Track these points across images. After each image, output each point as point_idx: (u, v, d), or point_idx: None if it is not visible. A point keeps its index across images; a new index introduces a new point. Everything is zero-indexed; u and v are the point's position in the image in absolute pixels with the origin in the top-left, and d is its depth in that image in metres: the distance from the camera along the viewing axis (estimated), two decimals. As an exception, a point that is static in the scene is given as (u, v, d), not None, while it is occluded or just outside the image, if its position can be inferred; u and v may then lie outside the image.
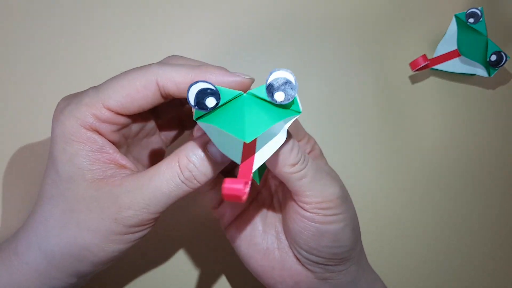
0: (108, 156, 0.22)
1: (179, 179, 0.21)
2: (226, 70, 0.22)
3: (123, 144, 0.25)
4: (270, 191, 0.28)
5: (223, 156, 0.21)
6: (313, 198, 0.22)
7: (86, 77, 0.33)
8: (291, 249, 0.25)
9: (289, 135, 0.22)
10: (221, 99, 0.19)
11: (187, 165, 0.21)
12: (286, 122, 0.20)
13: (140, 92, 0.21)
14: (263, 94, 0.19)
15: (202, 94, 0.19)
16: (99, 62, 0.34)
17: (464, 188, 0.37)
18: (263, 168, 0.23)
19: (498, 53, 0.34)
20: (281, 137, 0.20)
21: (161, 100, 0.22)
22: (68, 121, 0.21)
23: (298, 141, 0.26)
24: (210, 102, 0.19)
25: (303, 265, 0.25)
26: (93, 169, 0.22)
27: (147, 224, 0.22)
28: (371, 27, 0.37)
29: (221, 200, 0.27)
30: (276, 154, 0.21)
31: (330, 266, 0.24)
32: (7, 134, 0.33)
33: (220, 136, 0.20)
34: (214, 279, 0.33)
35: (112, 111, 0.22)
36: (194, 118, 0.20)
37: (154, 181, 0.21)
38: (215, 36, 0.35)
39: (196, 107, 0.19)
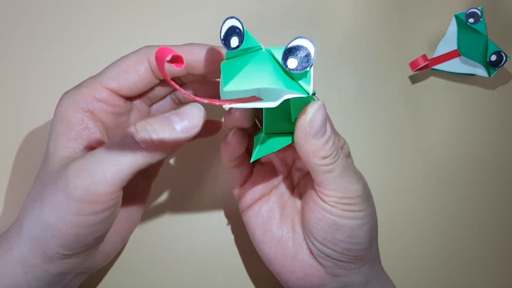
0: (91, 135, 0.23)
1: (134, 140, 0.21)
2: (210, 46, 0.24)
3: (117, 130, 0.25)
4: (292, 182, 0.28)
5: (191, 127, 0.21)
6: (335, 192, 0.23)
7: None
8: (306, 242, 0.25)
9: (329, 129, 0.21)
10: (244, 43, 0.18)
11: (144, 125, 0.21)
12: (286, 92, 0.19)
13: (132, 67, 0.24)
14: (279, 55, 0.19)
15: (231, 31, 0.18)
16: (99, 59, 0.34)
17: (464, 188, 0.37)
18: (263, 151, 0.23)
19: (498, 53, 0.34)
20: (272, 103, 0.19)
21: (153, 80, 0.25)
22: (66, 103, 0.23)
23: None
24: (234, 41, 0.19)
25: (315, 258, 0.25)
26: (68, 146, 0.22)
27: (103, 199, 0.21)
28: (371, 27, 0.37)
29: (243, 181, 0.27)
30: (310, 144, 0.21)
31: (342, 262, 0.24)
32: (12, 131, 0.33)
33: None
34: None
35: (109, 89, 0.24)
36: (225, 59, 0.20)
37: (104, 147, 0.21)
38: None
39: (223, 41, 0.19)
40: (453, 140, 0.37)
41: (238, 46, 0.18)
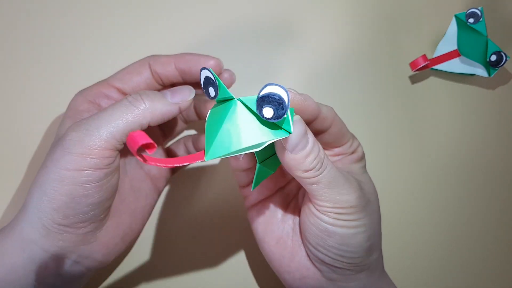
0: None
1: (127, 100, 0.23)
2: (203, 55, 0.27)
3: None
4: (298, 185, 0.28)
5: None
6: (325, 202, 0.22)
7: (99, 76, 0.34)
8: (304, 243, 0.25)
9: (310, 142, 0.21)
10: (219, 93, 0.19)
11: (138, 92, 0.24)
12: (269, 139, 0.19)
13: (136, 69, 0.27)
14: (253, 105, 0.18)
15: (207, 81, 0.19)
16: (107, 63, 0.34)
17: (464, 188, 0.37)
18: (262, 176, 0.23)
19: (498, 53, 0.34)
20: (257, 148, 0.18)
21: (154, 83, 0.28)
22: (77, 96, 0.27)
23: (342, 144, 0.26)
24: (211, 91, 0.19)
25: (312, 262, 0.25)
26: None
27: (97, 153, 0.22)
28: (371, 27, 0.37)
29: (250, 182, 0.27)
30: (289, 158, 0.21)
31: (336, 268, 0.24)
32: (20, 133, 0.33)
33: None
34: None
35: (115, 87, 0.27)
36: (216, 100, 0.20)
37: (101, 110, 0.23)
38: (217, 35, 0.36)
39: (204, 91, 0.19)
40: (453, 140, 0.37)
41: (215, 96, 0.19)
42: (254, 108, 0.18)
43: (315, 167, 0.22)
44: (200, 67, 0.21)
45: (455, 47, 0.36)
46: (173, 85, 0.28)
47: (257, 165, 0.22)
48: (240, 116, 0.19)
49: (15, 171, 0.32)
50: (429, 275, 0.35)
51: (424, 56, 0.35)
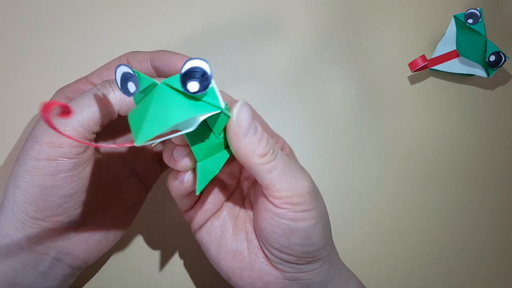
0: None
1: (96, 88, 0.23)
2: (177, 54, 0.26)
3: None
4: (242, 193, 0.28)
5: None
6: (284, 192, 0.22)
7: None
8: (262, 250, 0.25)
9: (259, 127, 0.21)
10: (140, 85, 0.18)
11: (107, 80, 0.23)
12: (200, 116, 0.19)
13: (114, 65, 0.26)
14: (177, 84, 0.18)
15: (124, 78, 0.18)
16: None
17: (463, 188, 0.37)
18: (206, 178, 0.22)
19: (497, 54, 0.34)
20: (189, 128, 0.19)
21: None
22: (57, 94, 0.26)
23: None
24: (131, 87, 0.18)
25: (273, 266, 0.25)
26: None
27: (64, 142, 0.22)
28: (370, 27, 0.38)
29: (193, 203, 0.26)
30: (244, 144, 0.21)
31: (301, 265, 0.24)
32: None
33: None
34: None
35: (92, 83, 0.26)
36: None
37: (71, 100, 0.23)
38: (209, 35, 0.36)
39: (122, 90, 0.18)
40: (452, 140, 0.37)
41: (136, 90, 0.18)
42: (179, 86, 0.18)
43: (269, 150, 0.22)
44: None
45: (454, 48, 0.36)
46: None
47: (197, 164, 0.21)
48: (167, 97, 0.18)
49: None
50: (429, 275, 0.35)
51: (423, 57, 0.35)
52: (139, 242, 0.33)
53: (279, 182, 0.22)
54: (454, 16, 0.35)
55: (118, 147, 0.18)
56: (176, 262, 0.33)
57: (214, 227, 0.26)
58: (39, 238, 0.23)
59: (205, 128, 0.21)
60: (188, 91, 0.18)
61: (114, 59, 0.27)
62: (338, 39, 0.37)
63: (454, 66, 0.36)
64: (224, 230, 0.26)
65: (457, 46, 0.36)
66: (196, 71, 0.18)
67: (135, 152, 0.29)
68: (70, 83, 0.27)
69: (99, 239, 0.26)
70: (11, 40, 0.34)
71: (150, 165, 0.29)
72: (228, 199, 0.27)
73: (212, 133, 0.21)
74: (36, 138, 0.22)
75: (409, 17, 0.38)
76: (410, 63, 0.36)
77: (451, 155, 0.37)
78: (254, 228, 0.26)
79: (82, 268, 0.27)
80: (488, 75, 0.35)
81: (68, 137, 0.17)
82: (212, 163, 0.22)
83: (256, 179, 0.23)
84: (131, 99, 0.23)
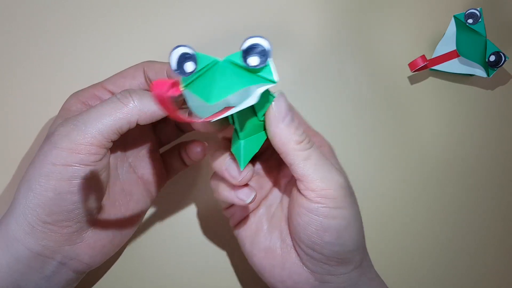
0: None
1: (116, 97, 0.23)
2: None
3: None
4: (280, 191, 0.28)
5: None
6: (317, 182, 0.22)
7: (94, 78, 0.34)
8: (294, 249, 0.25)
9: (296, 117, 0.23)
10: (198, 64, 0.19)
11: (127, 89, 0.24)
12: (258, 87, 0.21)
13: (130, 74, 0.27)
14: (239, 59, 0.20)
15: (182, 59, 0.19)
16: (104, 64, 0.34)
17: (463, 188, 0.37)
18: (249, 155, 0.24)
19: (497, 54, 0.34)
20: (251, 100, 0.20)
21: (147, 87, 0.27)
22: (71, 98, 0.27)
23: None
24: (189, 66, 0.19)
25: (304, 266, 0.25)
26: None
27: (83, 149, 0.22)
28: (370, 27, 0.38)
29: (232, 203, 0.27)
30: (281, 128, 0.22)
31: (331, 266, 0.24)
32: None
33: (198, 104, 0.21)
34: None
35: (107, 90, 0.27)
36: (180, 88, 0.20)
37: (91, 107, 0.24)
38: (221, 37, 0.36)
39: (178, 71, 0.19)
40: (452, 140, 0.37)
41: (194, 70, 0.19)
42: (240, 62, 0.20)
43: (304, 139, 0.23)
44: None
45: (454, 48, 0.36)
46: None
47: (241, 142, 0.23)
48: (231, 71, 0.20)
49: (5, 171, 0.32)
50: (427, 275, 0.35)
51: (423, 57, 0.35)
52: (142, 244, 0.33)
53: (313, 172, 0.23)
54: (454, 16, 0.35)
55: (199, 121, 0.20)
56: (180, 265, 0.33)
57: (250, 223, 0.27)
58: (47, 242, 0.23)
59: (250, 112, 0.23)
60: (248, 65, 0.20)
61: (129, 67, 0.27)
62: (338, 40, 0.37)
63: (454, 66, 0.36)
64: (258, 227, 0.27)
65: (457, 46, 0.36)
66: (256, 47, 0.19)
67: (143, 158, 0.29)
68: (85, 88, 0.27)
69: (105, 244, 0.26)
70: (26, 44, 0.34)
71: (158, 172, 0.29)
72: (265, 197, 0.28)
73: (254, 114, 0.23)
74: (56, 143, 0.22)
75: (409, 17, 0.38)
76: (410, 63, 0.36)
77: (451, 155, 0.37)
78: (288, 226, 0.26)
79: (86, 272, 0.27)
80: (488, 75, 0.35)
81: (189, 121, 0.18)
82: (253, 142, 0.24)
83: (292, 177, 0.24)
84: (150, 108, 0.23)
